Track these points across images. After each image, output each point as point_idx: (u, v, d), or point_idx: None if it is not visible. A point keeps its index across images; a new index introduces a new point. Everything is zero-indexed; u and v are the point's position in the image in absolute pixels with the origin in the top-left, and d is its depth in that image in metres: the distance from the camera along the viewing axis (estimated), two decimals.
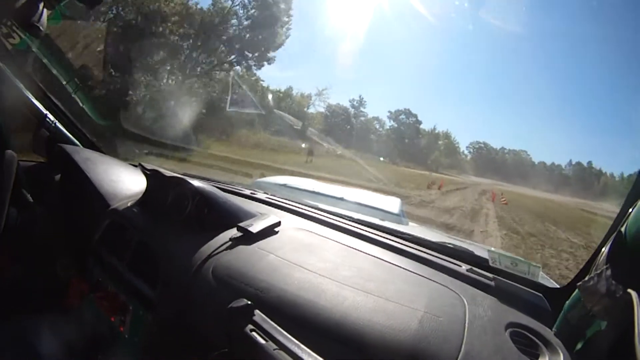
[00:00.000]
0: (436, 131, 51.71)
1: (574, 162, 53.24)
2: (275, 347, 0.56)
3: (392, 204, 2.45)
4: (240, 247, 0.91)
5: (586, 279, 0.63)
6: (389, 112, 48.59)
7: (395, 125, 47.88)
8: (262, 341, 0.57)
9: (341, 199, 2.16)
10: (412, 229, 1.53)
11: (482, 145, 58.11)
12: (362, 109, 42.94)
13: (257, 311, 0.64)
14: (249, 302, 0.65)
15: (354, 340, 0.62)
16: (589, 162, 52.32)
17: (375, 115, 47.27)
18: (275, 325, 0.61)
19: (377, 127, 45.29)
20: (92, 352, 0.98)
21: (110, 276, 1.02)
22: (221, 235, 0.96)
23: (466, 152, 56.29)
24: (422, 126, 49.34)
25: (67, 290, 1.15)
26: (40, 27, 0.89)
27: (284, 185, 2.41)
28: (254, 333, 0.59)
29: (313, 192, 2.25)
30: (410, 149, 44.81)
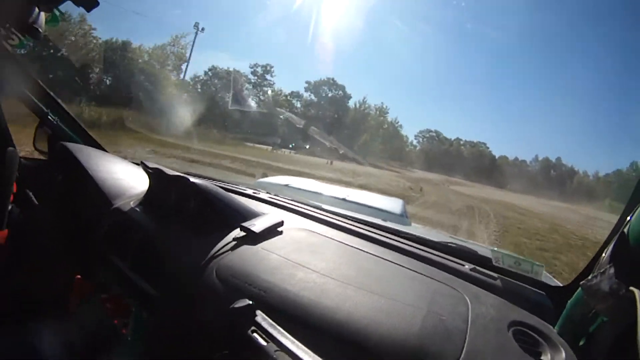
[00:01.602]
0: (366, 105, 37.88)
1: (540, 158, 44.86)
2: (276, 348, 0.56)
3: (395, 205, 2.46)
4: (244, 247, 0.91)
5: (589, 277, 0.63)
6: (307, 82, 37.31)
7: (315, 100, 36.43)
8: (264, 343, 0.57)
9: (343, 199, 2.18)
10: (415, 229, 1.53)
11: (434, 134, 46.31)
12: (268, 77, 33.92)
13: (259, 312, 0.64)
14: (251, 303, 0.65)
15: (357, 340, 0.61)
16: (558, 158, 44.16)
17: (296, 90, 37.45)
18: (277, 326, 0.61)
19: (298, 105, 35.81)
20: (95, 354, 0.98)
21: (113, 277, 1.03)
22: (224, 235, 0.96)
23: (415, 142, 45.17)
24: (352, 103, 37.64)
25: (70, 290, 1.16)
26: (39, 29, 0.90)
27: (286, 185, 2.43)
28: (255, 334, 0.59)
29: (315, 192, 2.27)
30: (331, 131, 32.99)
